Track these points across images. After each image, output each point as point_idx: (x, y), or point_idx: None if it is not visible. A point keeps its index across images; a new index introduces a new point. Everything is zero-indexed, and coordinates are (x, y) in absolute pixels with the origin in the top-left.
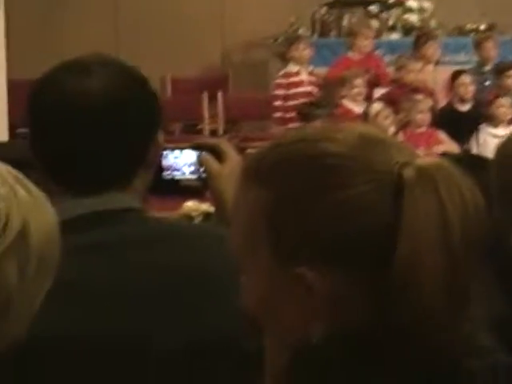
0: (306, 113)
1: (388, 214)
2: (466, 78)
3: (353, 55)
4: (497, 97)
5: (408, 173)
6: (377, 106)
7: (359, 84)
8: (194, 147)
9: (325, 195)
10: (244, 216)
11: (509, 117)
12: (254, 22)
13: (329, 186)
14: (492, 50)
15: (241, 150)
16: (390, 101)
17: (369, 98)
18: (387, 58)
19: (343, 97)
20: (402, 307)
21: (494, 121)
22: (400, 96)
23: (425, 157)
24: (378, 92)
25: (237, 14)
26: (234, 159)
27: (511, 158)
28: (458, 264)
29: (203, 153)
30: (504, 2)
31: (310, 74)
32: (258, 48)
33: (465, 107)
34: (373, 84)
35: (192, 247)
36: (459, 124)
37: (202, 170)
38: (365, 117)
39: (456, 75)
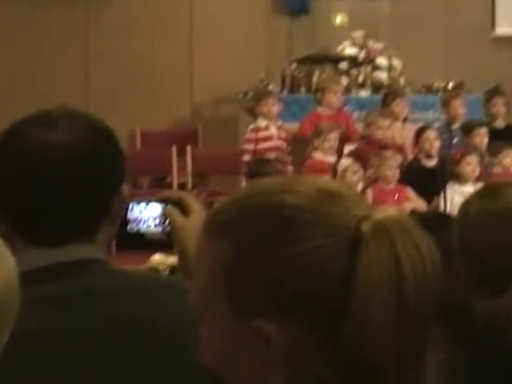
0: (255, 169)
1: (343, 268)
2: (431, 134)
3: (322, 110)
4: (464, 154)
5: (365, 227)
6: (345, 162)
7: (333, 138)
8: (160, 200)
9: (282, 248)
10: (203, 269)
11: (476, 174)
12: (224, 77)
13: (286, 239)
14: (459, 108)
15: (209, 205)
16: (358, 157)
17: (339, 154)
18: (356, 115)
19: (316, 149)
20: (354, 361)
21: (461, 178)
22: (369, 152)
23: (383, 211)
24: (348, 148)
25: (207, 69)
26: (198, 213)
27: (471, 219)
28: (411, 320)
29: (168, 206)
30: (471, 61)
31: (279, 128)
32: (227, 103)
33: (431, 162)
34: (343, 139)
35: (155, 300)
36: (426, 179)
37: (166, 223)
38: (334, 171)
39: (421, 131)
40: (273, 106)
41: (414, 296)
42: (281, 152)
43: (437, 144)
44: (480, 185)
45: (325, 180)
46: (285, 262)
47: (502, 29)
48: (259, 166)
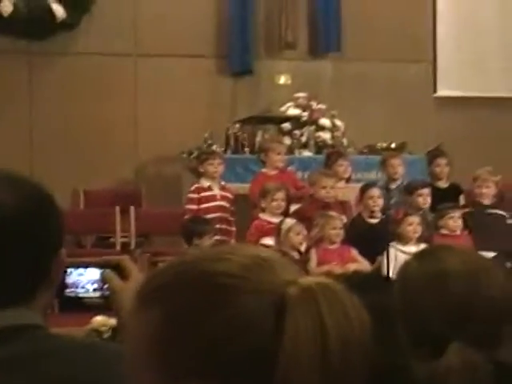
0: (190, 229)
1: (270, 333)
2: (374, 191)
3: (267, 171)
4: (406, 214)
5: (291, 292)
6: (289, 222)
7: (280, 197)
8: (98, 265)
9: (213, 313)
10: (134, 335)
11: (417, 235)
12: (168, 137)
13: (217, 305)
14: (398, 167)
15: (152, 265)
16: (302, 217)
17: (286, 214)
18: (300, 175)
19: (263, 209)
20: None
21: (403, 238)
22: (312, 212)
23: (311, 276)
24: (293, 208)
25: (151, 129)
26: (137, 277)
27: (410, 281)
28: (337, 381)
29: (107, 270)
30: (414, 122)
31: (222, 189)
32: (171, 162)
33: (374, 220)
34: (290, 200)
35: (88, 363)
36: (369, 236)
37: (105, 287)
38: (278, 231)
39: (365, 188)
40: (217, 166)
41: (340, 358)
42: (224, 212)
43: (380, 202)
44: (423, 245)
45: (258, 248)
46: (214, 327)
47: (443, 91)
48: (194, 226)
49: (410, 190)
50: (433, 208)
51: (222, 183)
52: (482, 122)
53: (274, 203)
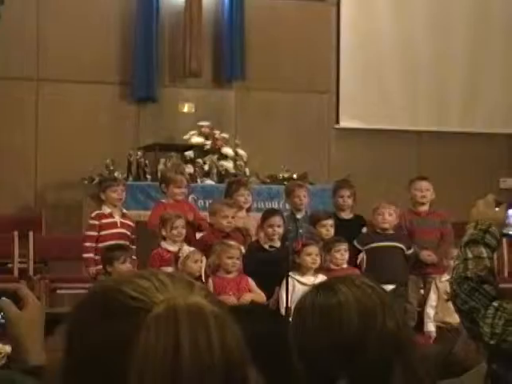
0: (107, 256)
1: (123, 350)
2: (275, 220)
3: (167, 201)
4: (305, 244)
5: (154, 310)
6: (187, 249)
7: (179, 225)
8: None
9: (93, 326)
10: None
11: (316, 265)
12: (69, 162)
13: (99, 319)
14: (303, 198)
15: (51, 291)
16: (203, 246)
17: (189, 242)
18: (201, 203)
19: (163, 238)
20: None
21: (301, 268)
22: (213, 241)
23: (193, 297)
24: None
25: (52, 154)
26: (33, 305)
27: (306, 314)
28: None
29: (2, 298)
30: (315, 153)
31: (123, 216)
32: (72, 188)
33: (272, 248)
34: (193, 228)
35: None
36: (266, 263)
37: (1, 315)
38: (175, 259)
39: (267, 215)
40: (120, 194)
41: (194, 381)
42: (125, 240)
43: (280, 230)
44: (321, 276)
45: (162, 271)
46: (93, 339)
47: (345, 122)
48: (110, 253)
49: (313, 220)
50: (324, 244)
51: (124, 211)
52: (383, 153)
53: (174, 231)
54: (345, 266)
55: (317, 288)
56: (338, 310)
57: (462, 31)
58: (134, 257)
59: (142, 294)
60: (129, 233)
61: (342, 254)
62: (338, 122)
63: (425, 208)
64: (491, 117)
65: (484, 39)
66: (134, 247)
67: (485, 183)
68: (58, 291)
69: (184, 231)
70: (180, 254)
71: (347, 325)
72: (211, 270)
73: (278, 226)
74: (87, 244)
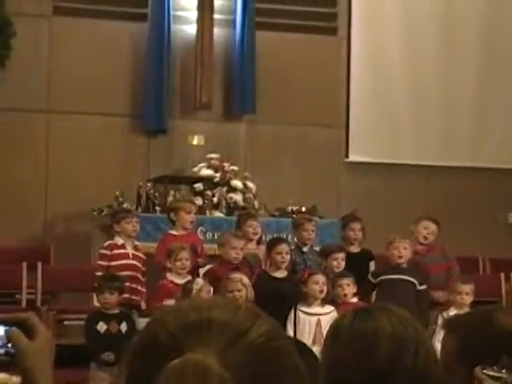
0: (99, 285)
1: None
2: (283, 247)
3: (175, 231)
4: (312, 273)
5: (171, 365)
6: (200, 282)
7: (183, 257)
8: (3, 322)
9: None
10: None
11: (323, 294)
12: (78, 194)
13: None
14: (311, 231)
15: (58, 322)
16: (212, 278)
17: (195, 274)
18: (210, 235)
19: (169, 270)
20: None
21: (308, 298)
22: (222, 273)
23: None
24: (204, 268)
25: (61, 185)
26: (43, 334)
27: (338, 340)
28: None
29: (12, 328)
30: (325, 186)
31: (135, 248)
32: (81, 220)
33: (280, 274)
34: (198, 263)
35: None
36: (276, 292)
37: (10, 345)
38: (184, 291)
39: (273, 243)
40: (134, 225)
41: None
42: (135, 271)
43: (288, 258)
44: (328, 306)
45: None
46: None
47: (354, 156)
48: (103, 282)
49: (325, 253)
50: (329, 280)
51: (136, 243)
52: (392, 188)
53: (178, 263)
54: (354, 299)
55: (355, 312)
56: (373, 336)
57: (471, 65)
58: (143, 289)
59: (182, 331)
60: (140, 265)
61: (343, 288)
62: (347, 155)
63: (422, 247)
64: (499, 151)
65: (493, 72)
66: (143, 280)
67: (492, 218)
68: (66, 322)
69: (188, 263)
70: (195, 286)
71: (378, 352)
72: None
73: (287, 253)
74: (98, 274)
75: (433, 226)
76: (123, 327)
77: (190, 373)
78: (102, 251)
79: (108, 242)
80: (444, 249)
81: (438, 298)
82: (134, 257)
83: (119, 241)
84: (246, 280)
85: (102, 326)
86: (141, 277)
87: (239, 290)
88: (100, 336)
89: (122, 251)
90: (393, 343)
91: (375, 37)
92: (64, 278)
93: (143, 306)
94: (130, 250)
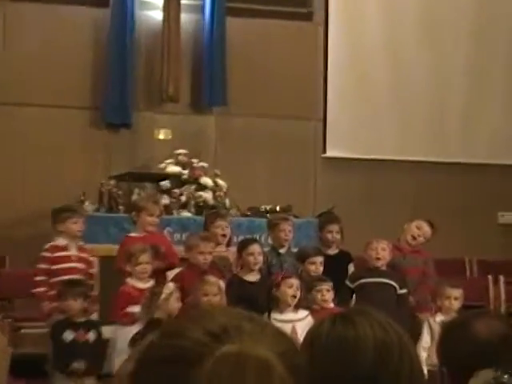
0: (61, 291)
1: None
2: (255, 248)
3: (137, 233)
4: (285, 277)
5: (221, 355)
6: (171, 286)
7: (144, 260)
8: None
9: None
10: None
11: (296, 299)
12: (35, 194)
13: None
14: (288, 232)
15: (15, 331)
16: (180, 281)
17: (159, 280)
18: (178, 237)
19: (129, 274)
20: None
21: (281, 304)
22: (190, 279)
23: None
24: (173, 272)
25: (14, 185)
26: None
27: (318, 348)
28: None
29: None
30: (299, 184)
31: (80, 249)
32: (39, 221)
33: (253, 277)
34: (166, 265)
35: None
36: (249, 297)
37: None
38: (152, 296)
39: (244, 244)
40: (81, 225)
41: None
42: (82, 275)
43: (261, 259)
44: (302, 311)
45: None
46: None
47: (332, 151)
48: (65, 288)
49: (302, 256)
50: (306, 284)
51: (80, 243)
52: (374, 185)
53: (139, 267)
54: (330, 305)
55: (334, 318)
56: (355, 342)
57: (460, 53)
58: (94, 292)
59: (211, 336)
60: (85, 267)
61: (323, 294)
62: (324, 150)
63: (407, 247)
64: (491, 146)
65: (484, 60)
66: (91, 282)
67: (481, 217)
68: (23, 331)
69: (149, 267)
70: (165, 290)
71: (362, 359)
72: (189, 309)
73: (259, 254)
74: (38, 278)
75: (426, 228)
76: (91, 336)
77: (251, 367)
78: (44, 254)
79: (49, 244)
80: (428, 256)
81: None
82: (79, 259)
83: (62, 242)
84: (222, 284)
85: (68, 335)
86: (88, 280)
87: (215, 295)
88: (67, 345)
89: (64, 253)
90: (375, 349)
91: (354, 22)
92: (20, 283)
93: (93, 310)
94: (73, 252)
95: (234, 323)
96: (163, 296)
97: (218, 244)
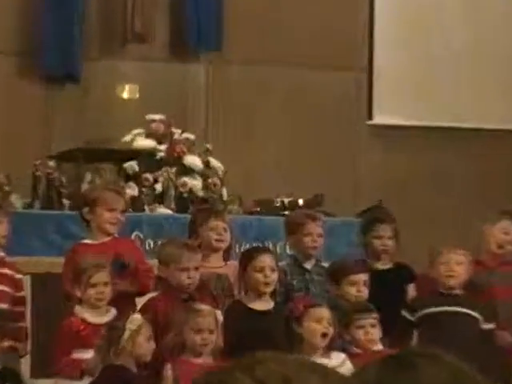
0: None
1: None
2: (267, 259)
3: (91, 240)
4: (311, 306)
5: None
6: (137, 319)
7: (101, 281)
8: None
9: None
10: None
11: (327, 340)
12: None
13: None
14: (317, 237)
15: None
16: (153, 312)
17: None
18: (149, 244)
19: (78, 300)
20: None
21: (306, 346)
22: (170, 306)
23: None
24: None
25: None
26: None
27: None
28: None
29: None
30: (333, 165)
31: (3, 263)
32: None
33: (264, 305)
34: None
35: None
36: (255, 332)
37: None
38: (110, 335)
39: (251, 255)
40: (3, 228)
41: None
42: (2, 301)
43: (275, 276)
44: (337, 355)
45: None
46: None
47: (382, 116)
48: None
49: (337, 274)
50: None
51: (2, 254)
52: (437, 163)
53: (93, 290)
54: (378, 346)
55: (386, 361)
56: None
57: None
58: (24, 324)
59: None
60: (8, 289)
61: (367, 330)
62: (370, 116)
63: (492, 258)
64: None
65: None
66: (21, 309)
67: None
68: None
69: (108, 291)
70: (129, 325)
71: None
72: (170, 351)
73: (272, 271)
74: None
75: None
76: None
77: None
78: None
79: None
80: None
81: (502, 340)
82: (0, 278)
83: None
84: (220, 316)
85: None
86: (14, 308)
87: (211, 332)
88: None
89: None
90: None
91: None
92: None
93: (22, 352)
94: None
95: (295, 374)
96: (127, 334)
97: (210, 254)
